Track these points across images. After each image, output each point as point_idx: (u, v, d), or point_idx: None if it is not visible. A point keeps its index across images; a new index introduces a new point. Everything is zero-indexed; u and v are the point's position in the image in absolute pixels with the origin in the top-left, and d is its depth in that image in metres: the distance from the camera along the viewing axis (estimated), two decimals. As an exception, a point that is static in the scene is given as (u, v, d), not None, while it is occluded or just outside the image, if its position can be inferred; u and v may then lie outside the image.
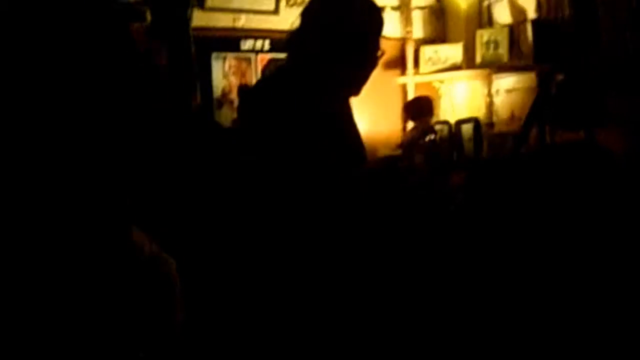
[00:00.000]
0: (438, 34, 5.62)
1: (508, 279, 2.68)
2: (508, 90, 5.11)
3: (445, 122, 5.07)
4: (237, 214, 2.35)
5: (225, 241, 2.64)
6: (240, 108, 3.44)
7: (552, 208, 2.69)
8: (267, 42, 4.91)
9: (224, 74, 4.78)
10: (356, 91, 2.38)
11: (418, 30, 5.51)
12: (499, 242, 2.71)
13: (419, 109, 5.02)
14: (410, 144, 4.73)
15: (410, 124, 5.11)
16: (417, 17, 5.52)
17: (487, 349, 2.60)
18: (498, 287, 2.69)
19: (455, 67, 5.30)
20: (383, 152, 4.47)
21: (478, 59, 5.20)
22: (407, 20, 5.42)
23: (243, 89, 4.40)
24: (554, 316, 2.54)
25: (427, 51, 5.42)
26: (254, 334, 2.19)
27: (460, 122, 4.98)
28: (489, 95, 5.20)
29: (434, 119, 5.11)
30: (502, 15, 5.16)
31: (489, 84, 5.19)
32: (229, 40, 4.82)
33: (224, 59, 4.78)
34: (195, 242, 3.00)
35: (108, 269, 1.73)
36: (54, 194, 1.65)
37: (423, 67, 5.42)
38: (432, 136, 4.77)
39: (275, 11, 4.90)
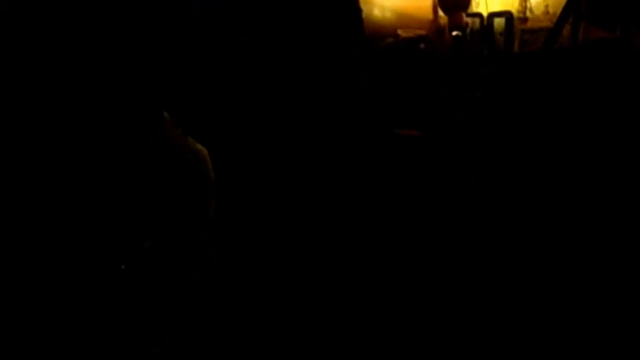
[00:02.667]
0: None
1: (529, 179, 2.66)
2: (544, -16, 4.97)
3: (478, 15, 4.95)
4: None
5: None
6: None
7: (580, 105, 2.64)
8: None
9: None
10: None
11: None
12: (522, 136, 2.68)
13: (453, 2, 4.90)
14: (436, 35, 4.67)
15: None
16: None
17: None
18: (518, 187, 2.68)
19: (491, -42, 5.14)
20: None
21: (515, -50, 5.04)
22: None
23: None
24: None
25: (463, -61, 5.22)
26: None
27: (492, 15, 4.87)
28: (524, -12, 5.07)
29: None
30: None
31: (525, -23, 5.05)
32: None
33: None
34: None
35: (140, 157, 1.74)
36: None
37: (458, -44, 5.25)
38: (459, 33, 4.71)
39: None
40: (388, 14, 4.69)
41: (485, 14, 4.96)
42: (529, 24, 4.93)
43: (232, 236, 2.39)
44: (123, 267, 1.74)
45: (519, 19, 4.94)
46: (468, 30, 4.81)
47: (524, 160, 2.69)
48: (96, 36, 1.63)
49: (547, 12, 4.90)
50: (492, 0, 5.21)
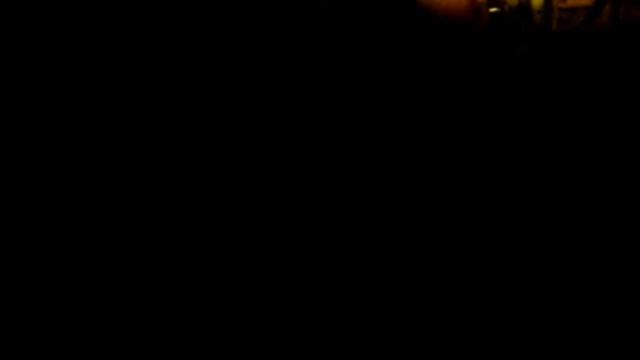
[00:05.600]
0: None
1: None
2: (585, -38, 4.87)
3: (516, -8, 4.87)
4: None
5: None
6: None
7: (619, 83, 2.59)
8: None
9: None
10: None
11: None
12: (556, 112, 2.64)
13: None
14: (474, 11, 4.62)
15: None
16: None
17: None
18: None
19: None
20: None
21: None
22: None
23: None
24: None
25: None
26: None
27: (531, -7, 4.79)
28: (564, -34, 4.96)
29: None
30: None
31: (566, -46, 4.95)
32: None
33: None
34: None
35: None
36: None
37: None
38: (497, 9, 4.65)
39: None
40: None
41: (524, -9, 4.88)
42: (568, 3, 4.84)
43: (233, 235, 2.38)
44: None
45: (558, -4, 4.86)
46: (506, 7, 4.74)
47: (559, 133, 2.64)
48: (96, 36, 1.62)
49: (586, -10, 4.80)
50: (532, -23, 5.12)
